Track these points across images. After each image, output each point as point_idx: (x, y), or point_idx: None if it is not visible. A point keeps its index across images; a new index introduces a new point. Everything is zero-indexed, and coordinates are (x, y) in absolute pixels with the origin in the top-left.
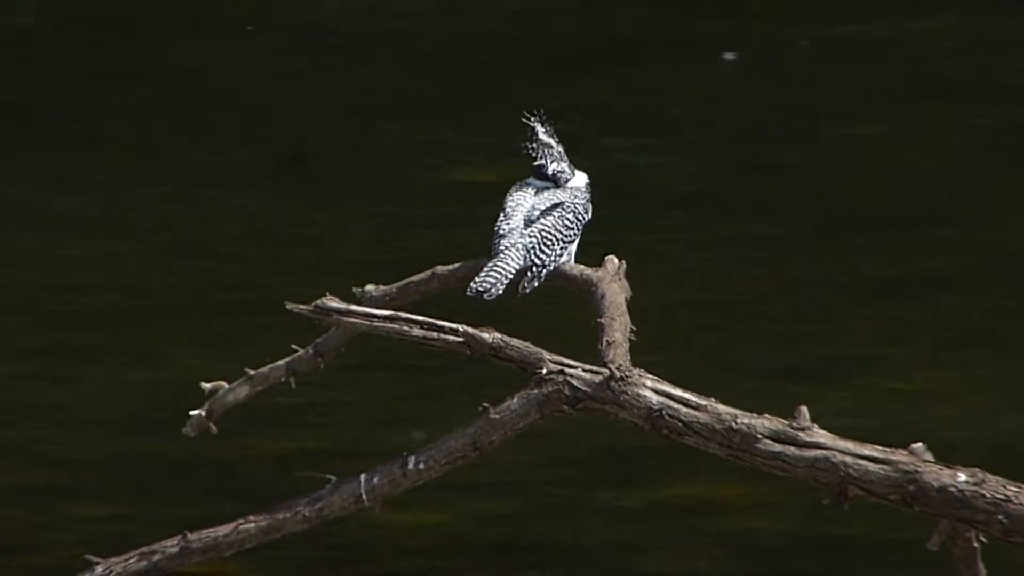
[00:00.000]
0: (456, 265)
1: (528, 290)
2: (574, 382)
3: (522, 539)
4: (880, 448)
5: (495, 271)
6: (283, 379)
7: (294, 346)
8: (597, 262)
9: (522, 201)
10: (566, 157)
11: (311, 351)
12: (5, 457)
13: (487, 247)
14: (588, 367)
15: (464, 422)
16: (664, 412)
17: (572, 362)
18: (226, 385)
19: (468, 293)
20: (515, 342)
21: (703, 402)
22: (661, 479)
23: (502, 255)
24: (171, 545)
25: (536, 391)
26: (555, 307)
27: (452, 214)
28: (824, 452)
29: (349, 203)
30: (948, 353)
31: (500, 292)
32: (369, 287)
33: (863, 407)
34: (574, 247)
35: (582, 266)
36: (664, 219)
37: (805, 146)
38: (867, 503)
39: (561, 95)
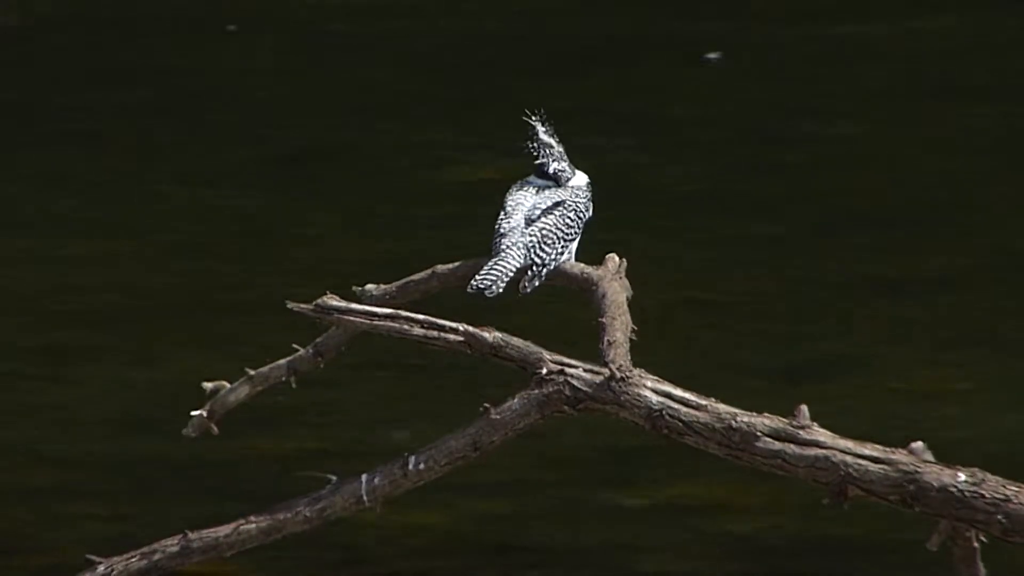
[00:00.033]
0: (456, 264)
1: (529, 289)
2: (575, 382)
3: (522, 539)
4: (880, 448)
5: (496, 269)
6: (283, 379)
7: (294, 346)
8: (598, 262)
9: (523, 200)
10: (566, 156)
11: (311, 351)
12: (5, 457)
13: (487, 246)
14: (589, 367)
15: (464, 422)
16: (664, 412)
17: (573, 362)
18: (227, 385)
19: (469, 290)
20: (516, 341)
21: (703, 402)
22: (661, 479)
23: (503, 253)
24: (172, 545)
25: (537, 391)
26: (556, 306)
27: (452, 214)
28: (824, 451)
29: (349, 203)
30: (948, 353)
31: (500, 290)
32: (369, 286)
33: (863, 407)
34: (575, 246)
35: (583, 265)
36: (664, 219)
37: (805, 146)
38: (867, 503)
39: (561, 95)
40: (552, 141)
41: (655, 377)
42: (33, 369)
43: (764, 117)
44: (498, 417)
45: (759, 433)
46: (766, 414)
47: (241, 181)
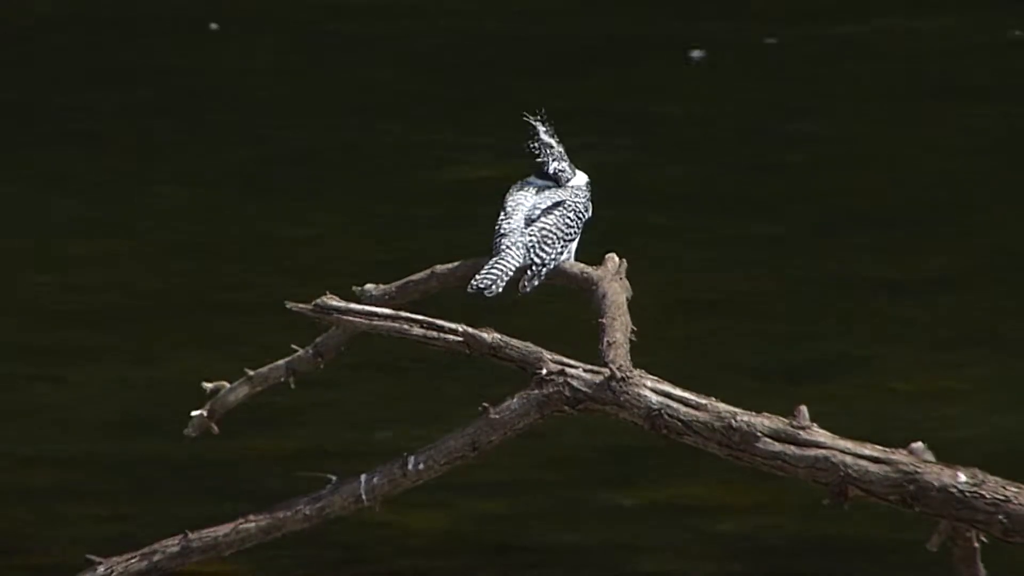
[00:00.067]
0: (455, 264)
1: (528, 289)
2: (574, 383)
3: (522, 539)
4: (880, 448)
5: (496, 268)
6: (283, 379)
7: (294, 346)
8: (597, 262)
9: (523, 200)
10: (566, 156)
11: (311, 351)
12: (5, 457)
13: (487, 246)
14: (589, 367)
15: (464, 422)
16: (664, 412)
17: (572, 362)
18: (228, 385)
19: (468, 290)
20: (515, 342)
21: (703, 401)
22: (661, 479)
23: (503, 253)
24: (172, 544)
25: (536, 391)
26: (555, 306)
27: (452, 214)
28: (824, 452)
29: (349, 203)
30: (948, 353)
31: (500, 289)
32: (369, 286)
33: (863, 407)
34: (574, 246)
35: (583, 265)
36: (664, 219)
37: (805, 146)
38: (867, 503)
39: (561, 95)
40: (552, 141)
41: (655, 377)
42: (33, 369)
43: (764, 117)
44: (497, 417)
45: (759, 433)
46: (766, 413)
47: (241, 181)
